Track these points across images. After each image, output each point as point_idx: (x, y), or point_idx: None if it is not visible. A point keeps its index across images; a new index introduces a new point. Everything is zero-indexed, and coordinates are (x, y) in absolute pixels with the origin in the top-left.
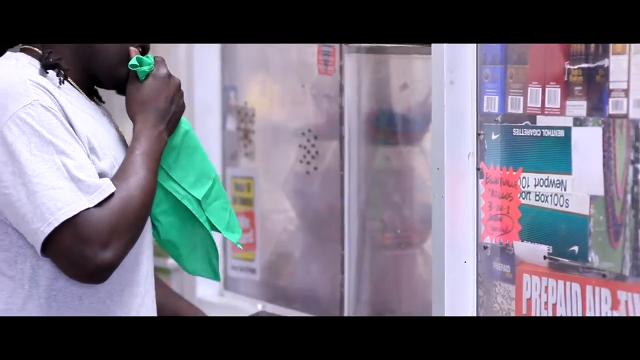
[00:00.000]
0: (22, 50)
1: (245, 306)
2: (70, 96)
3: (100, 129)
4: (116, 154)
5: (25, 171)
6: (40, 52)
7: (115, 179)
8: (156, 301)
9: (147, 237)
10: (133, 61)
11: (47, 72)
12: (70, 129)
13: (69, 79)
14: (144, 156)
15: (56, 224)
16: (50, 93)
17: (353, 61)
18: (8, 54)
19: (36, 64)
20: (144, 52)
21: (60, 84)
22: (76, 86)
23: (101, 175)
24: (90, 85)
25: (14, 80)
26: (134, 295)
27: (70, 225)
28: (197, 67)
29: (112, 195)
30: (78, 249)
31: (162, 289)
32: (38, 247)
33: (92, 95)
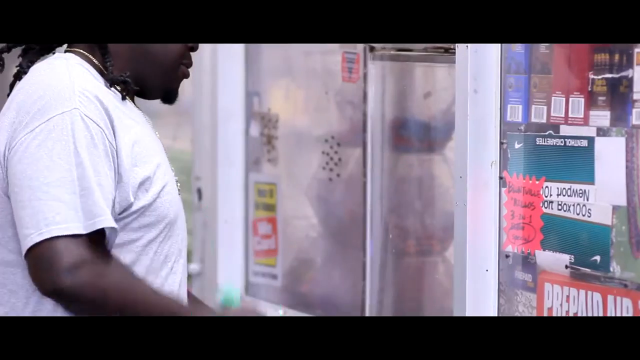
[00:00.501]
0: (67, 52)
1: (267, 312)
2: (118, 100)
3: (145, 135)
4: (160, 160)
5: (37, 176)
6: (86, 54)
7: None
8: None
9: (182, 244)
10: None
11: (111, 87)
12: (107, 143)
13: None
14: (171, 304)
15: (47, 236)
16: (98, 98)
17: (377, 69)
18: (57, 54)
19: (86, 65)
20: (193, 49)
21: (123, 100)
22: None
23: (144, 180)
24: (133, 93)
25: (62, 83)
26: None
27: (56, 240)
28: (221, 73)
29: (104, 231)
30: (49, 261)
31: None
32: (23, 251)
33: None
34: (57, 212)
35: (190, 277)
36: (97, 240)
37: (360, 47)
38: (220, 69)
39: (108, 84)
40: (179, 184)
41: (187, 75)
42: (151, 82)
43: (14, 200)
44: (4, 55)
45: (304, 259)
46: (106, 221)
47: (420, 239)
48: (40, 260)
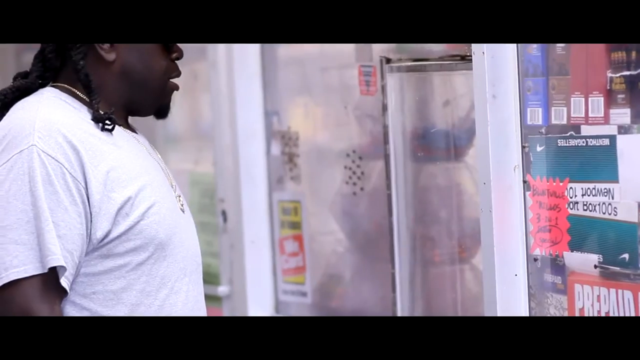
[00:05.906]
0: (53, 86)
1: None
2: (95, 127)
3: (129, 158)
4: (146, 181)
5: None
6: (69, 87)
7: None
8: None
9: (186, 263)
10: None
11: (99, 124)
12: (67, 178)
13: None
14: None
15: (6, 281)
16: (61, 132)
17: (395, 80)
18: (40, 90)
19: (64, 96)
20: (178, 58)
21: (111, 132)
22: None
23: (123, 205)
24: (126, 114)
25: (24, 120)
26: None
27: (15, 285)
28: (239, 93)
29: (57, 270)
30: (7, 307)
31: None
32: None
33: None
34: (14, 256)
35: (220, 299)
36: (54, 278)
37: (376, 59)
38: (238, 90)
39: (95, 122)
40: (181, 202)
41: (176, 88)
42: (142, 103)
43: None
44: None
45: (332, 274)
46: (54, 260)
47: (447, 248)
48: (1, 304)
